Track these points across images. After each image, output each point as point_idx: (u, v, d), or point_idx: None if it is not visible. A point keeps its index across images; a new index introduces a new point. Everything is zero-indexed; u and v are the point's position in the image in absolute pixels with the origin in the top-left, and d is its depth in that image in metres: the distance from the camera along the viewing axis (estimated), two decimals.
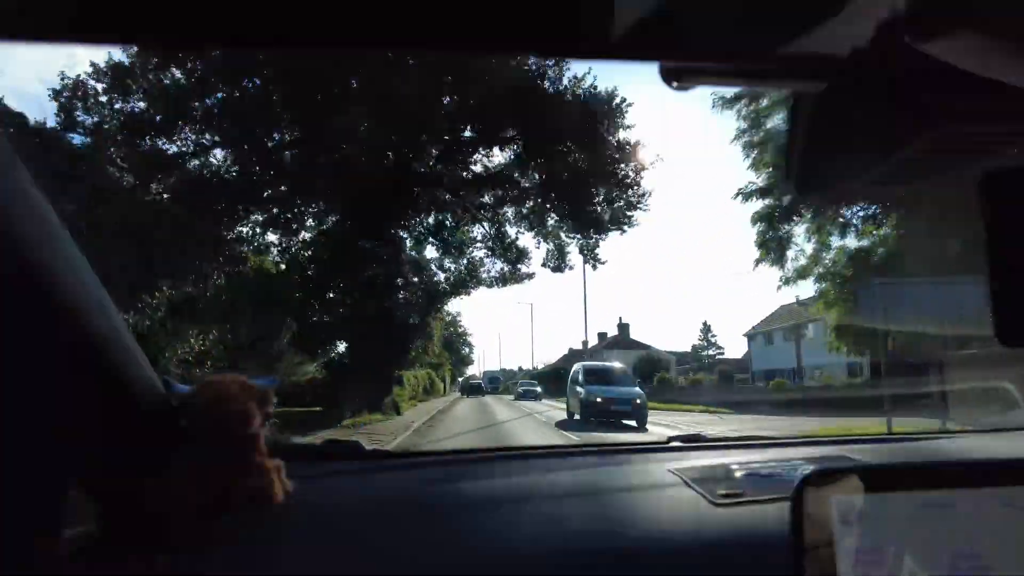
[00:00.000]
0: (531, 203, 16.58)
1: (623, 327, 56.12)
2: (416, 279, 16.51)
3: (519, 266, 17.94)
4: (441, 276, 18.22)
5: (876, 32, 0.36)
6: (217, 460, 0.83)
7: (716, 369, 40.47)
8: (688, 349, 56.69)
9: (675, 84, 0.42)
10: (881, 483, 0.53)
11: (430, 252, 18.10)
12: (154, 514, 0.76)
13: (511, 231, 17.56)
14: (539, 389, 34.05)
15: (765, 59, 0.40)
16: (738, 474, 0.96)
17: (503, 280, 18.08)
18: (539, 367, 66.86)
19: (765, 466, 1.00)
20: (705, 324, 57.65)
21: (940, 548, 0.51)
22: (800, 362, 31.70)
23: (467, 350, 66.74)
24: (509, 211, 17.06)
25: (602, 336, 59.79)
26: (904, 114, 0.44)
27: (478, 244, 18.10)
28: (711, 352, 55.09)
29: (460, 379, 62.85)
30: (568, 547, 0.69)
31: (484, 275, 18.14)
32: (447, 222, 17.23)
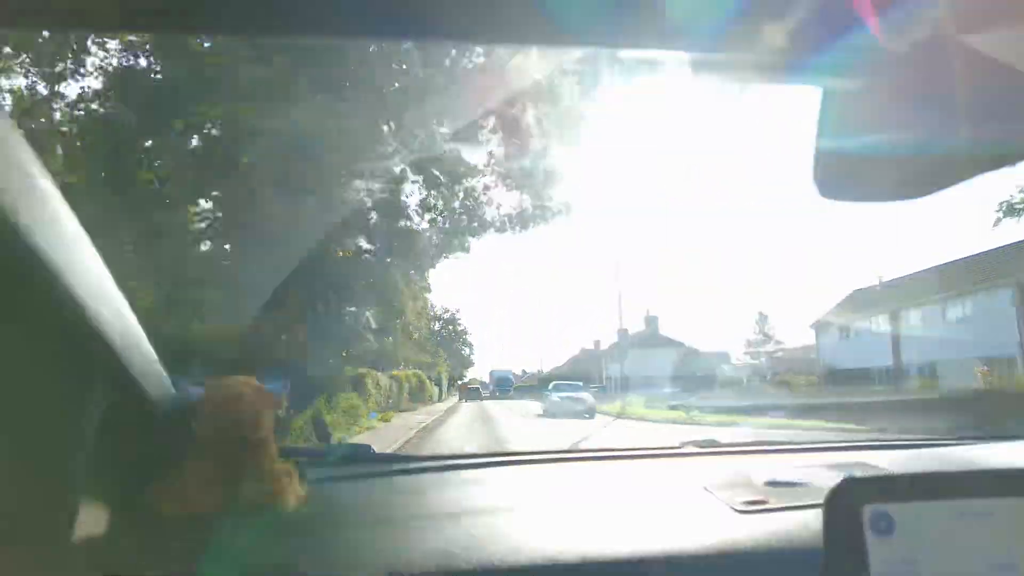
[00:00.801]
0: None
1: (651, 320, 44.99)
2: (367, 182, 8.40)
3: (548, 194, 10.30)
4: (424, 221, 10.48)
5: (914, 23, 0.35)
6: (228, 463, 0.83)
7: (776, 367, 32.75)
8: (724, 348, 44.23)
9: (699, 78, 0.41)
10: (916, 491, 0.51)
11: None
12: (165, 516, 0.76)
13: (537, 143, 9.53)
14: (590, 398, 19.15)
15: (790, 52, 0.38)
16: (758, 481, 0.94)
17: (522, 220, 10.58)
18: (543, 370, 59.11)
19: (786, 473, 0.98)
20: (761, 315, 44.15)
21: (977, 558, 0.50)
22: (899, 357, 24.14)
23: (467, 351, 59.15)
24: (530, 111, 9.30)
25: (623, 334, 52.47)
26: (938, 112, 0.42)
27: (480, 170, 10.26)
28: (769, 348, 41.50)
29: (460, 382, 59.31)
30: (586, 554, 0.68)
31: (492, 214, 10.45)
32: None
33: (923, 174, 0.47)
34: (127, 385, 0.71)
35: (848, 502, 0.50)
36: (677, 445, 1.40)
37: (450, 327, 58.46)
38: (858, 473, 0.78)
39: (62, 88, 8.69)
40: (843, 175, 0.48)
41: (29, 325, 0.59)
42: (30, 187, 0.50)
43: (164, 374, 0.79)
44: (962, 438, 1.37)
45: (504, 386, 46.38)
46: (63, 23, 0.38)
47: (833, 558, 0.49)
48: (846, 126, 0.45)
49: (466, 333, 59.53)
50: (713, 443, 1.42)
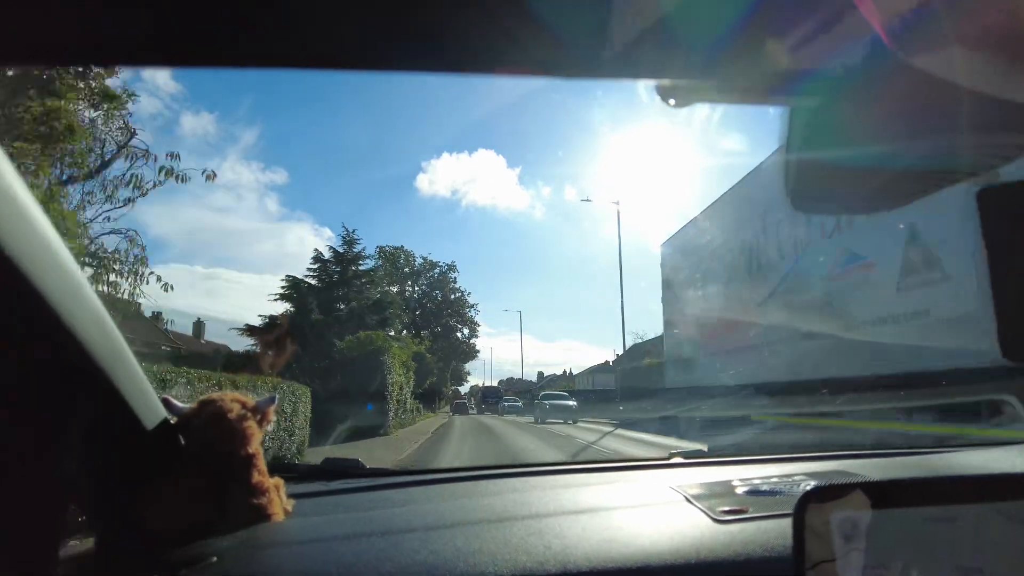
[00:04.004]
0: None
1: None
2: None
3: None
4: None
5: (870, 48, 0.37)
6: (216, 479, 0.83)
7: None
8: None
9: (672, 102, 0.43)
10: (883, 498, 0.53)
11: None
12: (152, 532, 0.76)
13: None
14: None
15: (760, 75, 0.41)
16: (739, 490, 0.96)
17: None
18: (572, 371, 42.88)
19: (766, 482, 1.00)
20: None
21: (943, 562, 0.51)
22: None
23: (466, 332, 35.69)
24: None
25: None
26: (898, 127, 0.45)
27: None
28: None
29: (469, 388, 40.87)
30: (568, 565, 0.69)
31: None
32: None
33: (894, 186, 0.49)
34: (114, 401, 0.71)
35: (818, 509, 0.51)
36: (665, 456, 1.42)
37: (436, 293, 34.38)
38: (832, 482, 0.80)
39: None
40: (815, 188, 0.50)
41: (12, 341, 0.59)
42: (9, 201, 0.51)
43: (151, 390, 0.79)
44: (943, 447, 1.40)
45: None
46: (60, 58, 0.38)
47: (804, 565, 0.50)
48: (816, 139, 0.46)
49: (466, 304, 35.09)
50: (699, 453, 1.44)
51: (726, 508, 0.83)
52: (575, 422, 16.91)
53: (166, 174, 7.62)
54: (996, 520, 0.52)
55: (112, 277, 7.15)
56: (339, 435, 10.10)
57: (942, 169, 0.47)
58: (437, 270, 36.36)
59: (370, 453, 9.45)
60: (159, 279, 7.36)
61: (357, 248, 19.58)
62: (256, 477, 0.86)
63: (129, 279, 7.27)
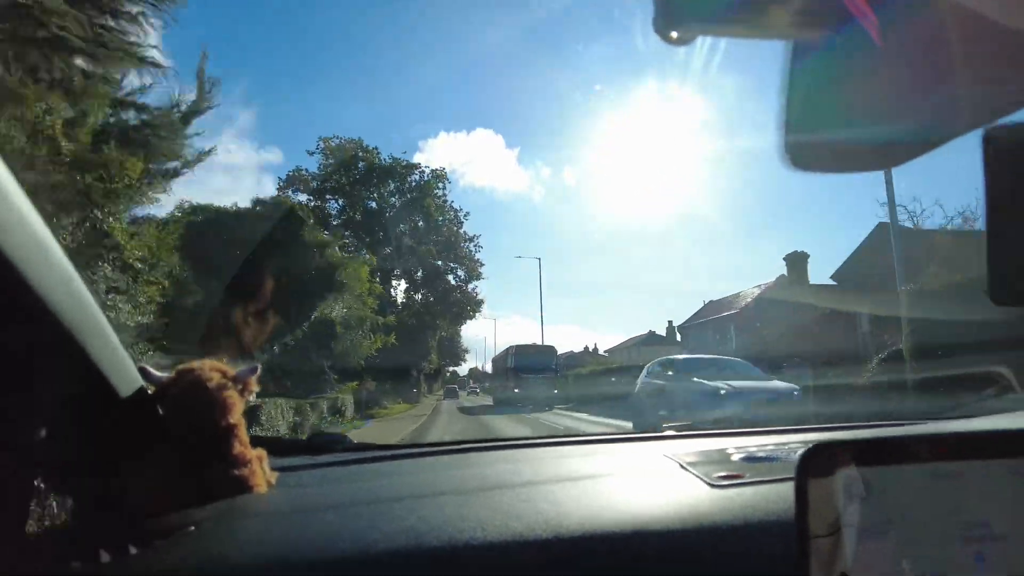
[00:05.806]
0: None
1: None
2: None
3: None
4: None
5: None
6: (195, 449, 0.81)
7: None
8: None
9: (674, 36, 0.39)
10: (887, 455, 0.51)
11: None
12: (129, 505, 0.74)
13: None
14: None
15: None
16: (735, 457, 0.95)
17: None
18: (597, 347, 33.32)
19: (763, 449, 0.99)
20: None
21: (949, 518, 0.50)
22: None
23: (462, 274, 25.25)
24: None
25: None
26: (918, 66, 0.42)
27: None
28: None
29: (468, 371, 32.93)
30: (561, 531, 0.67)
31: None
32: None
33: (909, 133, 0.46)
34: (88, 371, 0.69)
35: (820, 467, 0.50)
36: (659, 431, 1.42)
37: (416, 219, 21.44)
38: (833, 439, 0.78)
39: None
40: (818, 138, 0.47)
41: None
42: None
43: (127, 359, 0.76)
44: (939, 416, 1.40)
45: None
46: None
47: (806, 523, 0.49)
48: (823, 79, 0.43)
49: (462, 235, 23.49)
50: (692, 426, 1.44)
51: (722, 474, 0.82)
52: None
53: None
54: (1004, 476, 0.50)
55: None
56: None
57: (951, 118, 0.45)
58: (416, 176, 21.97)
59: None
60: None
61: None
62: (237, 448, 0.84)
63: None
